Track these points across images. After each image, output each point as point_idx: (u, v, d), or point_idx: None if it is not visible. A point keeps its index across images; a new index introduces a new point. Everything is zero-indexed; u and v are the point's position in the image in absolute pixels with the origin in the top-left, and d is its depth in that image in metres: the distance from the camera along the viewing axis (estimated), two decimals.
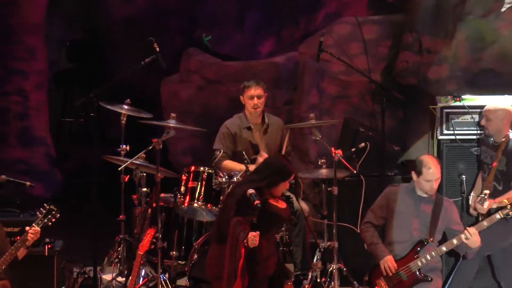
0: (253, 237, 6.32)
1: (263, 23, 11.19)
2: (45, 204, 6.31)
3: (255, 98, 7.86)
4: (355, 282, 7.73)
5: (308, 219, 7.93)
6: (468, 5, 8.96)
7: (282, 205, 6.55)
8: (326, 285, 7.65)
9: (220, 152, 7.84)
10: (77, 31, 11.94)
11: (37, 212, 6.31)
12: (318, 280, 7.69)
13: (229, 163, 7.89)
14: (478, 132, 8.00)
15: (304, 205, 7.97)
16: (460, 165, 7.98)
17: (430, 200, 7.00)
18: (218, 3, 11.28)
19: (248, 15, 11.26)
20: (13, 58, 10.63)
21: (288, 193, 7.68)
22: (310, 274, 7.71)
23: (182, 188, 7.69)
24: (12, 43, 10.62)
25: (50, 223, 6.30)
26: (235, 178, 7.47)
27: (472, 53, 8.98)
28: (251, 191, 6.49)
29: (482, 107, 8.01)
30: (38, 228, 6.19)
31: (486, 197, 7.24)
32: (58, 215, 6.31)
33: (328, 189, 7.76)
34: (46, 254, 7.18)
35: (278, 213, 6.49)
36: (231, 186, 7.42)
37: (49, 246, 7.19)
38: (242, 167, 7.70)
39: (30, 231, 6.15)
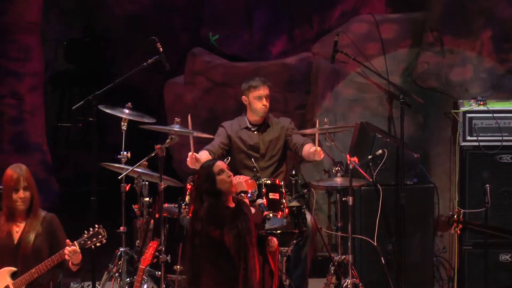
0: (273, 241, 6.65)
1: (273, 21, 11.16)
2: (96, 225, 6.30)
3: (264, 99, 7.91)
4: None
5: (320, 231, 8.01)
6: (494, 2, 9.04)
7: (244, 198, 6.62)
8: None
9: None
10: (75, 30, 12.02)
11: (85, 231, 6.28)
12: None
13: (204, 157, 7.80)
14: (503, 138, 8.15)
15: (311, 219, 7.96)
16: (484, 174, 8.10)
17: None
18: (224, 0, 11.35)
19: (257, 12, 11.23)
20: (6, 59, 10.67)
21: (298, 204, 7.75)
22: None
23: (187, 198, 7.56)
24: (6, 43, 10.65)
25: (93, 246, 6.28)
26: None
27: (498, 53, 9.04)
28: (260, 201, 6.70)
29: (508, 111, 8.29)
30: (76, 248, 6.12)
31: None
32: (105, 240, 6.32)
33: (343, 199, 7.82)
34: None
35: (243, 222, 6.39)
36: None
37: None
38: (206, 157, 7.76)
39: (67, 248, 6.11)
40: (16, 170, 6.30)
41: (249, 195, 6.96)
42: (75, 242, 6.12)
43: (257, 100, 7.91)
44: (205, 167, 6.63)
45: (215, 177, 6.47)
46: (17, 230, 6.20)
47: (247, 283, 6.32)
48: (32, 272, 6.04)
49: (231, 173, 6.63)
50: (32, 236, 6.16)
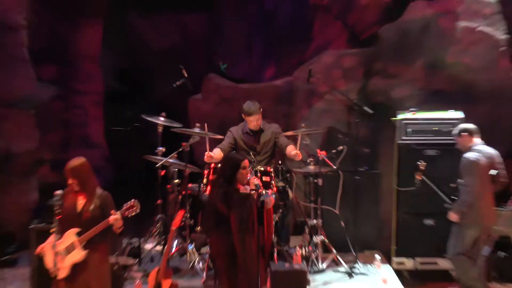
0: (270, 200, 6.56)
1: (266, 53, 11.24)
2: (132, 200, 6.12)
3: (255, 121, 7.87)
4: (334, 250, 7.94)
5: (297, 205, 8.18)
6: (424, 40, 9.08)
7: (243, 188, 6.43)
8: (312, 253, 7.82)
9: (217, 150, 7.84)
10: (126, 58, 11.81)
11: (124, 204, 6.09)
12: (306, 249, 7.86)
13: (216, 153, 7.76)
14: (428, 138, 8.15)
15: (292, 195, 8.01)
16: (415, 164, 7.85)
17: None
18: (231, 38, 11.29)
19: (255, 46, 11.35)
20: (75, 81, 10.55)
21: (283, 184, 7.84)
22: (299, 247, 7.81)
23: (205, 180, 7.84)
24: (75, 69, 10.56)
25: (129, 215, 6.11)
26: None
27: (427, 77, 8.98)
28: (256, 181, 6.55)
29: (432, 119, 8.23)
30: (118, 216, 5.98)
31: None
32: (138, 211, 6.11)
33: (315, 181, 7.99)
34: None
35: (246, 197, 6.33)
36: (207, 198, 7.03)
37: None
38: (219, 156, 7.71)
39: (112, 216, 5.97)
40: (68, 163, 6.13)
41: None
42: (117, 212, 6.04)
43: (251, 121, 7.90)
44: (235, 159, 6.52)
45: (239, 168, 6.36)
46: (81, 202, 6.07)
47: (244, 256, 6.24)
48: (89, 233, 5.96)
49: (249, 171, 6.62)
50: (90, 207, 6.04)
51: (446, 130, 8.07)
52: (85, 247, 5.98)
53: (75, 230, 5.99)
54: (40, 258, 6.20)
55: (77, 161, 6.11)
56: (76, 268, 5.98)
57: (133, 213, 6.10)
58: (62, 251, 5.97)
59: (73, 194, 6.10)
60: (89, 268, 6.02)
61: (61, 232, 6.00)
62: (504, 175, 7.31)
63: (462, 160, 7.21)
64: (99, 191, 6.16)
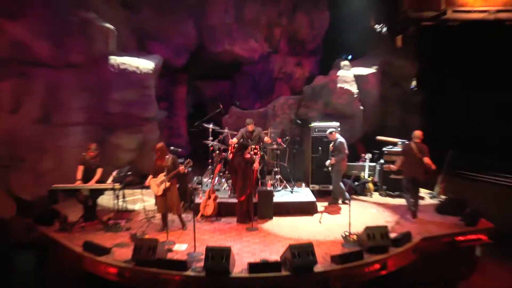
0: (255, 164, 6.29)
1: (256, 98, 10.82)
2: (188, 159, 5.80)
3: (249, 127, 7.35)
4: (284, 181, 7.55)
5: (269, 162, 7.83)
6: (322, 92, 8.64)
7: (247, 156, 6.24)
8: (275, 183, 7.44)
9: (235, 139, 7.37)
10: (195, 100, 10.78)
11: (184, 161, 5.79)
12: (272, 181, 7.52)
13: (234, 140, 7.33)
14: (324, 134, 7.54)
15: (266, 158, 7.67)
16: (319, 147, 7.65)
17: None
18: (240, 92, 10.85)
19: (251, 95, 10.85)
20: (174, 109, 10.14)
21: (262, 153, 7.42)
22: (269, 180, 7.47)
23: (229, 152, 7.42)
24: (174, 105, 10.12)
25: (187, 170, 5.82)
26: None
27: (324, 108, 8.59)
28: (252, 153, 6.47)
29: (325, 126, 7.68)
30: (183, 167, 5.67)
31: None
32: (192, 164, 5.75)
33: (276, 152, 7.60)
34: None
35: (247, 159, 6.17)
36: (232, 157, 6.55)
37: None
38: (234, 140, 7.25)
39: (180, 167, 5.67)
40: (156, 146, 5.74)
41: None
42: (182, 165, 5.67)
43: (249, 127, 7.32)
44: (245, 145, 6.22)
45: (247, 148, 6.20)
46: (164, 162, 5.69)
47: (241, 185, 6.07)
48: (170, 175, 5.65)
49: (249, 151, 6.35)
50: (168, 163, 5.68)
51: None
52: (168, 181, 5.72)
53: (164, 173, 5.71)
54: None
55: (159, 144, 5.74)
56: (165, 190, 5.75)
57: (190, 166, 5.74)
58: (158, 182, 5.74)
59: (160, 159, 5.77)
60: (170, 190, 5.80)
61: (157, 174, 5.75)
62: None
63: (337, 142, 7.02)
64: (170, 156, 5.81)
